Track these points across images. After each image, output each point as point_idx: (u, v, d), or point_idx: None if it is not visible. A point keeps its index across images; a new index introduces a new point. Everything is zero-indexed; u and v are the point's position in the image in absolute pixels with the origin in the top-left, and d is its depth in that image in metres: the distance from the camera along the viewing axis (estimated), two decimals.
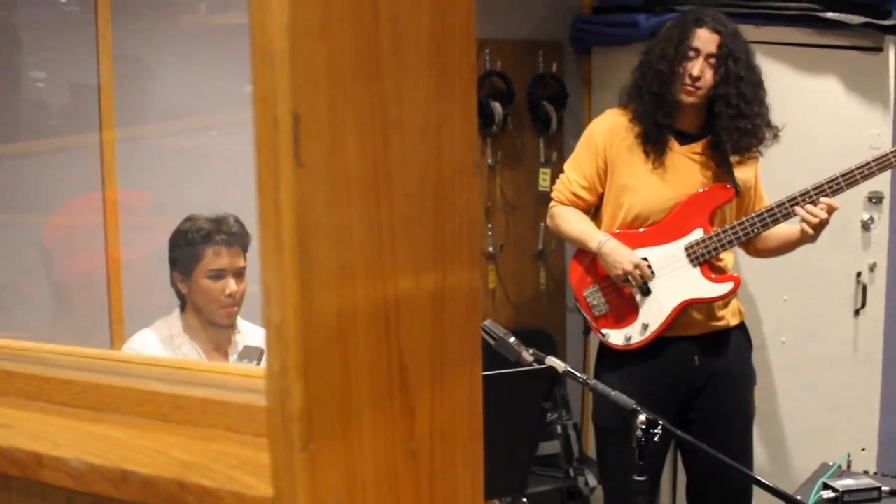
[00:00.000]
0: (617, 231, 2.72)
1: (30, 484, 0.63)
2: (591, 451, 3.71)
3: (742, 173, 2.71)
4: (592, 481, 3.21)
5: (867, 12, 3.32)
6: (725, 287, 2.68)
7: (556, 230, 2.87)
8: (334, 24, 0.50)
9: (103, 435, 0.64)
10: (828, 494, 2.37)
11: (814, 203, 2.59)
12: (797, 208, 2.60)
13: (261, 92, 0.48)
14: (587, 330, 2.89)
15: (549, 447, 3.29)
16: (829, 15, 3.29)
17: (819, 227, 2.60)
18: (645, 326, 2.69)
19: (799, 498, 2.19)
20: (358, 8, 0.52)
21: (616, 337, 2.73)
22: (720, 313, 2.73)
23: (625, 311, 2.73)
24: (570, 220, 2.78)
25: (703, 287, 2.68)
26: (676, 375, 2.71)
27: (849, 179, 2.60)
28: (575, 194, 2.78)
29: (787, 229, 2.71)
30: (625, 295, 2.72)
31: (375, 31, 0.53)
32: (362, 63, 0.52)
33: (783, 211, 2.62)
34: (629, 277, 2.65)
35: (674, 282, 2.68)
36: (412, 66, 0.56)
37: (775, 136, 2.73)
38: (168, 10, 3.28)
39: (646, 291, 2.69)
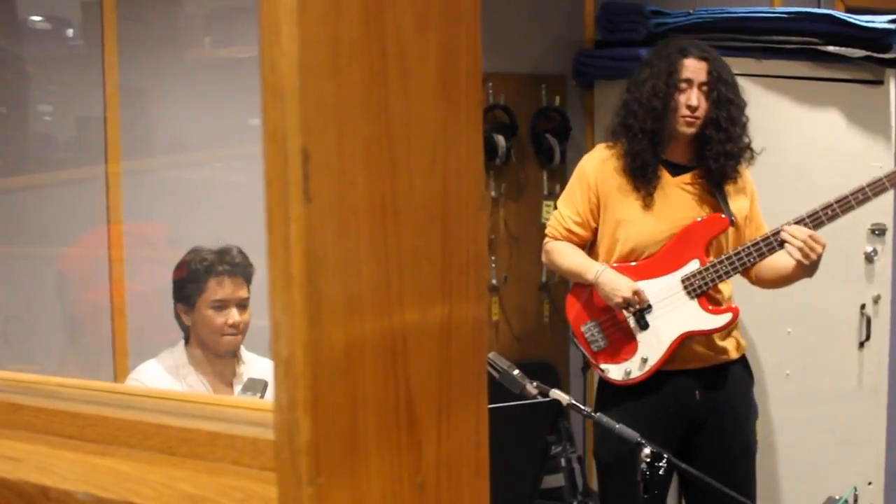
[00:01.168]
0: (613, 265, 2.72)
1: None
2: (596, 485, 3.69)
3: (737, 203, 2.72)
4: None
5: (867, 46, 3.34)
6: (724, 318, 2.67)
7: (551, 265, 2.88)
8: (343, 62, 0.51)
9: (110, 468, 0.64)
10: None
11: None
12: (788, 246, 2.56)
13: (271, 129, 0.49)
14: (586, 366, 2.88)
15: (554, 480, 3.27)
16: (830, 49, 3.32)
17: (807, 256, 2.55)
18: (644, 360, 2.68)
19: None
20: (366, 45, 0.53)
21: (615, 372, 2.72)
22: (721, 345, 2.73)
23: (623, 345, 2.72)
24: (565, 254, 2.79)
25: (701, 319, 2.67)
26: (677, 410, 2.70)
27: (844, 205, 2.59)
28: (569, 230, 2.79)
29: (781, 264, 2.70)
30: (623, 329, 2.72)
31: (383, 67, 0.53)
32: (370, 99, 0.53)
33: (778, 239, 2.61)
34: (629, 305, 2.65)
35: (672, 314, 2.67)
36: (419, 102, 0.57)
37: (751, 158, 2.73)
38: (173, 44, 3.31)
39: (644, 325, 2.68)
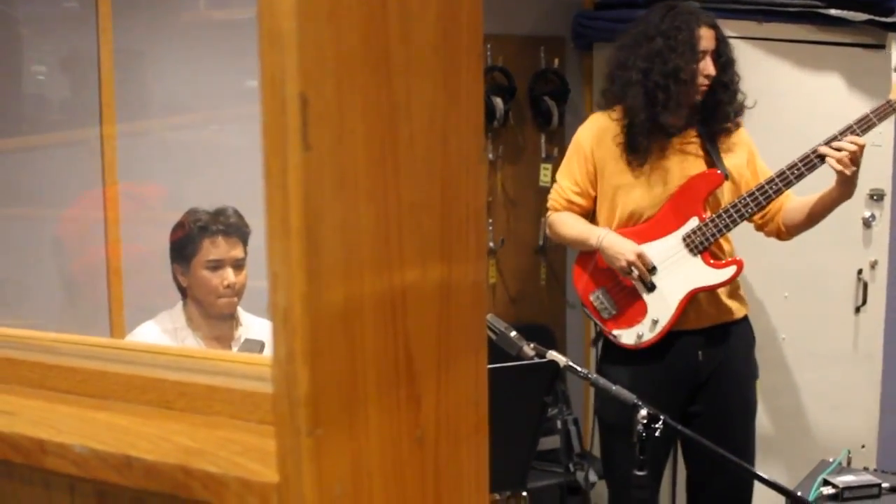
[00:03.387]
0: (614, 230, 2.73)
1: (32, 471, 0.63)
2: (592, 447, 3.71)
3: (732, 159, 2.72)
4: (593, 476, 3.20)
5: (870, 9, 3.31)
6: (728, 271, 2.68)
7: (556, 237, 2.88)
8: (342, 8, 0.50)
9: (107, 422, 0.63)
10: (828, 491, 2.37)
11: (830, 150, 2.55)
12: (824, 148, 2.54)
13: (268, 74, 0.48)
14: (598, 336, 2.87)
15: (550, 442, 3.28)
16: (832, 12, 3.29)
17: (855, 162, 2.52)
18: (655, 322, 2.69)
19: (799, 493, 2.19)
20: None
21: (628, 336, 2.72)
22: (726, 303, 2.74)
23: (633, 309, 2.73)
24: (567, 224, 2.80)
25: (706, 274, 2.68)
26: (680, 371, 2.71)
27: (864, 124, 2.58)
28: (569, 201, 2.80)
29: (812, 196, 2.69)
30: (631, 294, 2.73)
31: (383, 14, 0.52)
32: (370, 47, 0.52)
33: (774, 187, 2.62)
34: (633, 268, 2.65)
35: (677, 274, 2.68)
36: (420, 51, 0.56)
37: (742, 112, 2.75)
38: (168, 6, 3.27)
39: (651, 287, 2.69)
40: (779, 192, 2.62)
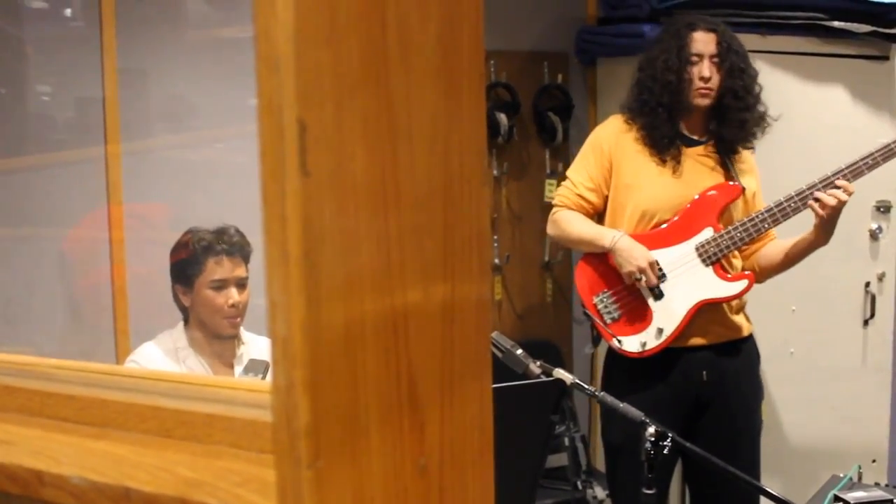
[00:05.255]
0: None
1: (30, 502, 0.62)
2: (599, 464, 3.69)
3: (746, 181, 2.71)
4: (600, 494, 3.19)
5: (873, 21, 3.31)
6: (740, 285, 2.65)
7: (559, 235, 2.80)
8: (340, 31, 0.49)
9: (106, 451, 0.62)
10: None
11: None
12: (810, 200, 2.56)
13: (266, 100, 0.47)
14: (596, 339, 2.82)
15: (557, 460, 3.27)
16: (836, 24, 3.29)
17: (835, 213, 2.54)
18: (660, 331, 2.64)
19: None
20: (364, 14, 0.51)
21: (631, 343, 2.66)
22: (734, 320, 2.71)
23: (638, 316, 2.67)
24: (575, 223, 2.74)
25: (716, 286, 2.65)
26: (684, 389, 2.68)
27: (854, 170, 2.58)
28: (581, 196, 2.74)
29: (789, 240, 2.69)
30: (637, 299, 2.68)
31: (382, 37, 0.52)
32: (369, 70, 0.51)
33: (792, 205, 2.60)
34: (642, 276, 2.62)
35: (687, 283, 2.65)
36: (420, 73, 0.55)
37: (766, 127, 2.74)
38: (172, 24, 3.29)
39: (658, 294, 2.65)
40: (796, 209, 2.60)
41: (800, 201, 2.60)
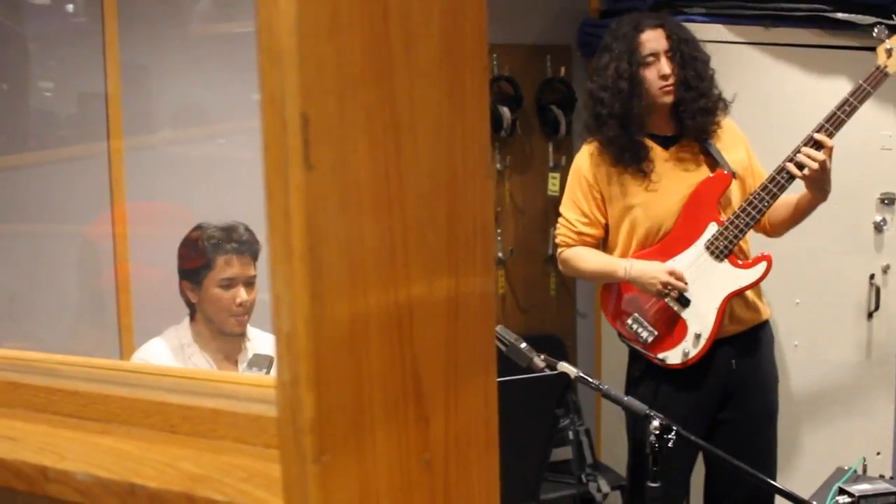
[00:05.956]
0: (632, 255, 2.70)
1: (36, 499, 0.62)
2: (604, 458, 3.69)
3: (733, 155, 2.70)
4: (605, 487, 3.19)
5: (877, 12, 3.30)
6: (760, 268, 2.64)
7: (573, 273, 2.83)
8: (343, 24, 0.48)
9: (111, 447, 0.62)
10: (844, 500, 2.34)
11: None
12: (789, 165, 2.55)
13: (268, 93, 0.46)
14: (635, 358, 2.81)
15: (562, 453, 3.27)
16: (839, 15, 3.27)
17: (821, 174, 2.53)
18: (698, 336, 2.65)
19: (814, 503, 2.17)
20: (367, 7, 0.51)
21: (674, 357, 2.67)
22: (757, 303, 2.72)
23: (672, 329, 2.68)
24: (586, 259, 2.75)
25: (738, 276, 2.64)
26: (715, 381, 2.69)
27: (834, 121, 2.56)
28: (580, 233, 2.76)
29: (793, 196, 2.67)
30: (667, 314, 2.68)
31: (385, 30, 0.51)
32: (372, 63, 0.51)
33: (784, 176, 2.58)
34: (668, 289, 2.62)
35: (708, 283, 2.64)
36: (423, 66, 0.55)
37: (725, 108, 2.71)
38: (174, 20, 3.28)
39: (685, 302, 2.65)
40: (791, 178, 2.58)
41: (787, 165, 2.59)
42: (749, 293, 2.69)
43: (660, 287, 2.62)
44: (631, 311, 2.73)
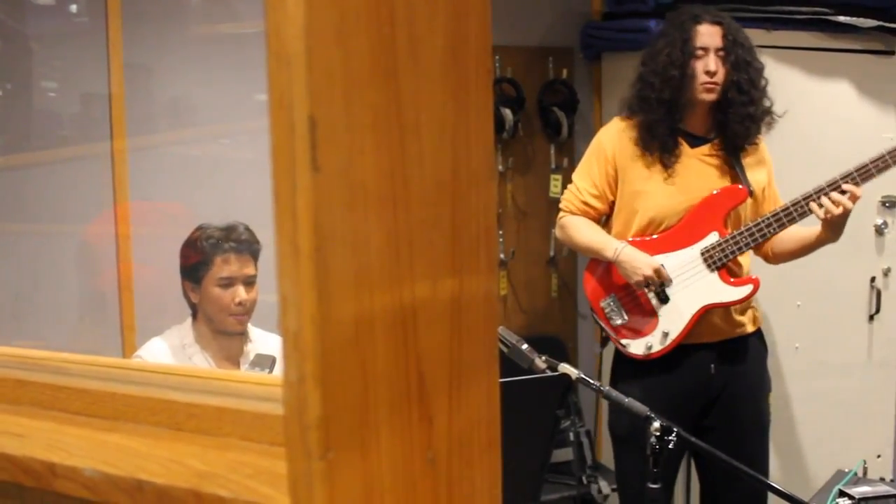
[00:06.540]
0: (630, 239, 2.69)
1: (43, 494, 0.63)
2: (605, 459, 3.69)
3: (755, 175, 2.69)
4: (606, 489, 3.20)
5: (878, 15, 3.30)
6: (745, 290, 2.65)
7: (567, 241, 2.83)
8: (350, 27, 0.49)
9: (118, 444, 0.63)
10: (844, 502, 2.35)
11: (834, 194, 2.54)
12: (813, 204, 2.55)
13: (277, 96, 0.47)
14: (605, 340, 2.85)
15: (563, 454, 3.28)
16: (841, 18, 3.28)
17: (841, 219, 2.53)
18: (665, 334, 2.66)
19: None
20: (374, 11, 0.51)
21: (636, 347, 2.69)
22: (738, 319, 2.70)
23: (644, 320, 2.69)
24: (581, 230, 2.75)
25: (721, 291, 2.65)
26: (693, 384, 2.68)
27: (863, 173, 2.56)
28: (585, 203, 2.75)
29: (804, 230, 2.67)
30: (643, 304, 2.69)
31: (391, 34, 0.52)
32: (378, 66, 0.51)
33: (798, 210, 2.57)
34: (649, 283, 2.63)
35: (692, 287, 2.65)
36: (428, 69, 0.55)
37: (771, 122, 2.71)
38: (178, 20, 3.29)
39: (664, 299, 2.66)
40: (803, 214, 2.58)
41: (807, 206, 2.58)
42: (732, 310, 2.68)
43: (641, 279, 2.62)
44: (610, 290, 2.73)
